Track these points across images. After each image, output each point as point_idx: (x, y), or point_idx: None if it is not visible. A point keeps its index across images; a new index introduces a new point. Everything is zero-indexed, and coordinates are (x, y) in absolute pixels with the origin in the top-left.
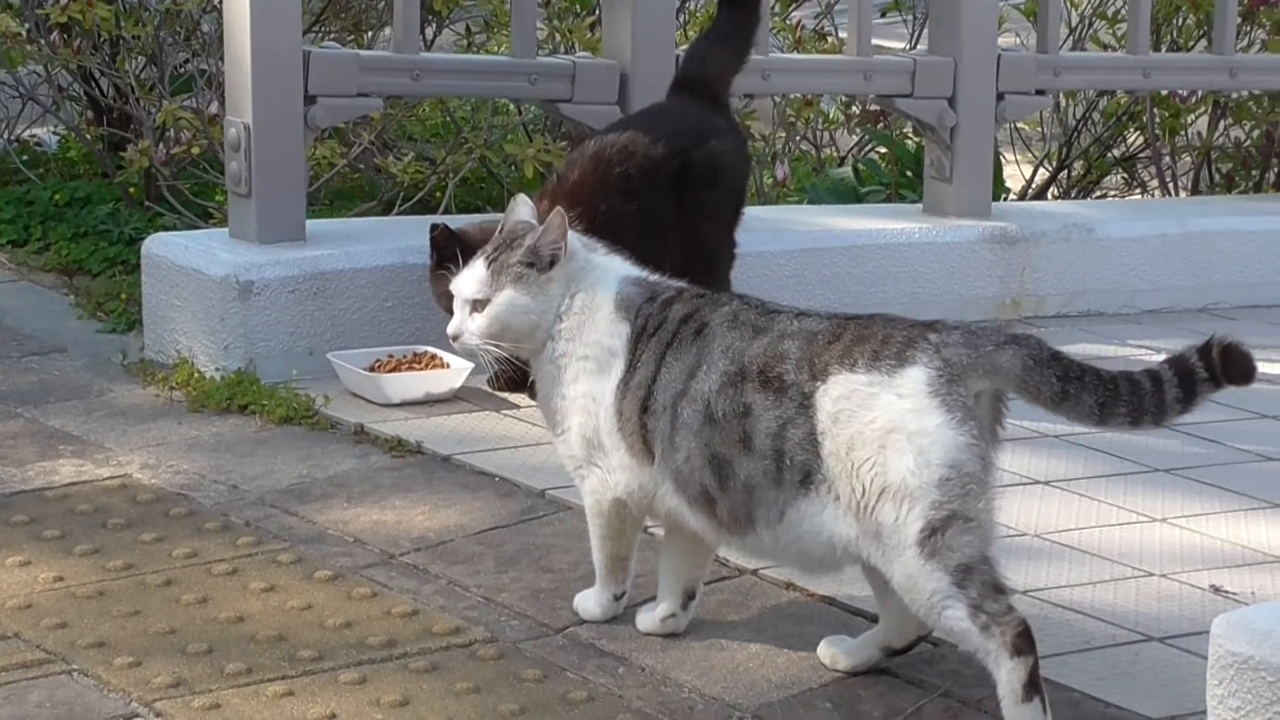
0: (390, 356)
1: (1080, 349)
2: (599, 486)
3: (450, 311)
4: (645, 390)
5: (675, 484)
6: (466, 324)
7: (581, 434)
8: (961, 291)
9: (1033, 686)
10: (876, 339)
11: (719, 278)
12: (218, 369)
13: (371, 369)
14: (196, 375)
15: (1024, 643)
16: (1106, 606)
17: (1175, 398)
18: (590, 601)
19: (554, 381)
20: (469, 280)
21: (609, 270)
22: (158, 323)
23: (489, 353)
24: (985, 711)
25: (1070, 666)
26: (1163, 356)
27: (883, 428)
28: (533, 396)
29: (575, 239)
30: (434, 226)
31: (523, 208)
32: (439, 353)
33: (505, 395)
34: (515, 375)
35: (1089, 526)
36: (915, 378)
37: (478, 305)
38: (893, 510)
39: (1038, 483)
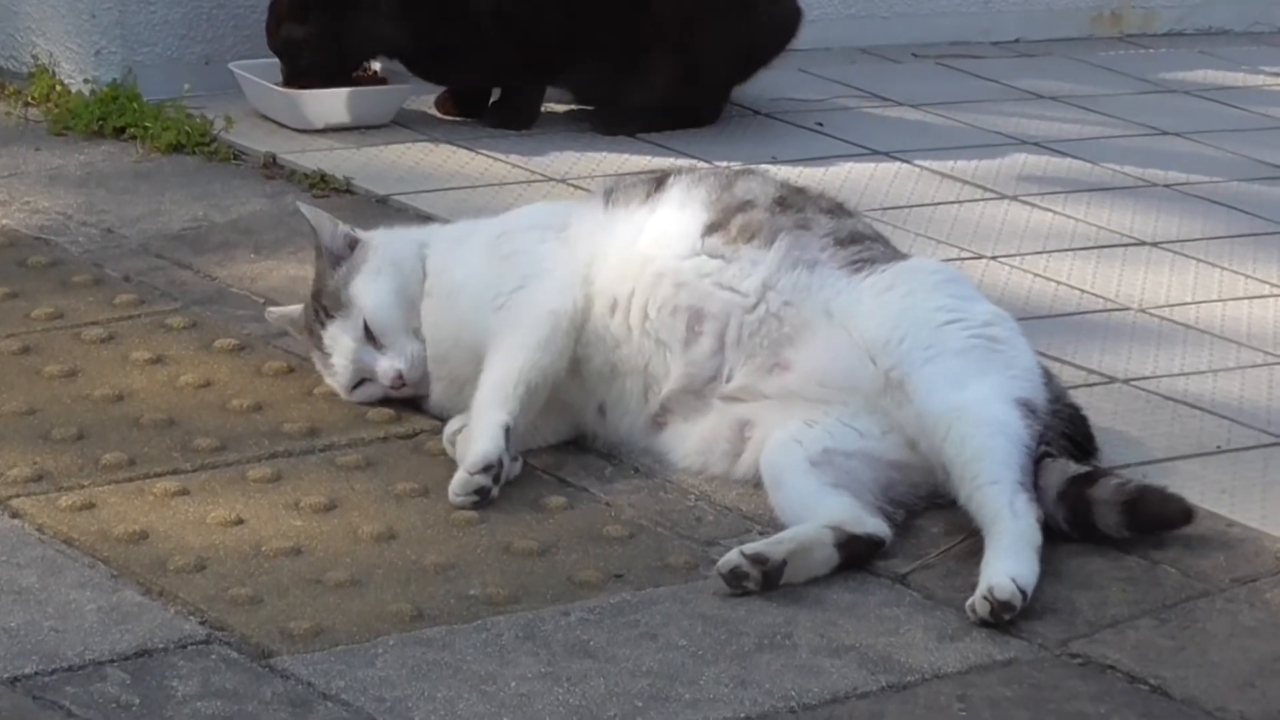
0: None
1: (1198, 76)
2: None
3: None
4: None
5: None
6: (380, 361)
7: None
8: (1047, 0)
9: None
10: None
11: None
12: (87, 81)
13: (287, 84)
14: (59, 88)
15: None
16: (1230, 400)
17: None
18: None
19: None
20: (340, 355)
21: None
22: (8, 20)
23: (422, 359)
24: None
25: (1182, 474)
26: None
27: None
28: (492, 123)
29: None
30: None
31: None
32: (374, 65)
33: (456, 120)
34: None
35: (1209, 300)
36: None
37: (369, 338)
38: None
39: (1143, 244)
